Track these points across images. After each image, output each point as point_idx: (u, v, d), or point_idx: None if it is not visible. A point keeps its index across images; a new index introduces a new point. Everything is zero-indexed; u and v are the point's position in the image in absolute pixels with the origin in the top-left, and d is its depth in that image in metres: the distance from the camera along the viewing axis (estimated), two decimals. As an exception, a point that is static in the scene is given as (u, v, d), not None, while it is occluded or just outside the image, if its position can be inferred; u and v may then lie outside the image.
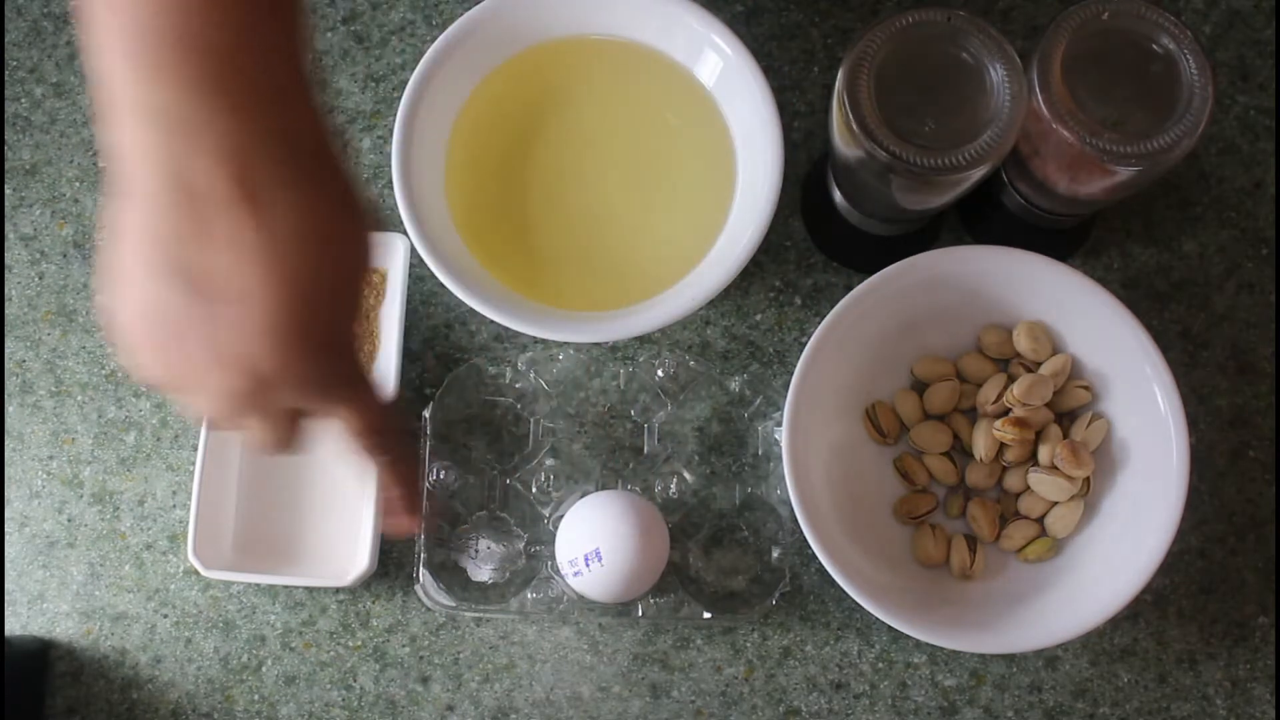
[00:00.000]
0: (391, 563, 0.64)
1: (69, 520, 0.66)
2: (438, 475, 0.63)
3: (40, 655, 0.64)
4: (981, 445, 0.61)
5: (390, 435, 0.47)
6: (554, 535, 0.61)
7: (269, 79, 0.40)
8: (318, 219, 0.40)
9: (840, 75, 0.53)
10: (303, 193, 0.40)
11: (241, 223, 0.39)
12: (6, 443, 0.66)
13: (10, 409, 0.67)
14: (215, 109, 0.38)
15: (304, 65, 0.41)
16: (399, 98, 0.62)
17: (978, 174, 0.53)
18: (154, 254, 0.39)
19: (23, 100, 0.70)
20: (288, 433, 0.44)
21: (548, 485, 0.63)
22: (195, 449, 0.64)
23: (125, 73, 0.38)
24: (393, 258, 0.65)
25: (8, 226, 0.69)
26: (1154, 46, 0.54)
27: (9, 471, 0.66)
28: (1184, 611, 0.64)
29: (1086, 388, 0.61)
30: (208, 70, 0.38)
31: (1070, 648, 0.64)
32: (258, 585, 0.64)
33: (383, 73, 0.70)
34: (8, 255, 0.68)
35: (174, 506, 0.66)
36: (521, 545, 0.63)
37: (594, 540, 0.59)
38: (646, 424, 0.65)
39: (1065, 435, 0.61)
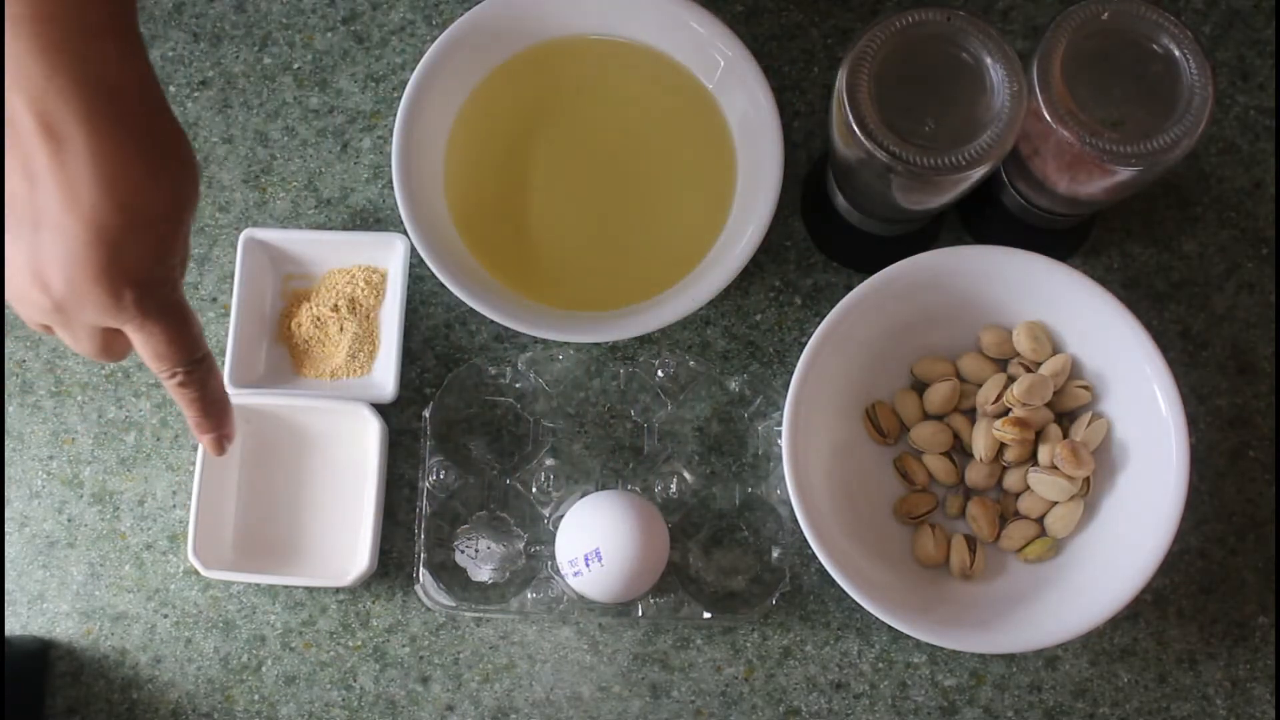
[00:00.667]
0: (391, 563, 0.64)
1: (69, 520, 0.66)
2: (438, 475, 0.63)
3: (40, 655, 0.64)
4: (981, 445, 0.61)
5: (180, 363, 0.50)
6: (554, 535, 0.61)
7: (79, 20, 0.42)
8: (118, 161, 0.43)
9: (840, 75, 0.53)
10: (102, 135, 0.42)
11: (48, 162, 0.42)
12: (6, 443, 0.66)
13: (10, 409, 0.67)
14: (25, 50, 0.41)
15: (121, 8, 0.43)
16: (399, 98, 0.62)
17: (978, 174, 0.53)
18: (4, 188, 0.44)
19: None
20: (94, 347, 0.48)
21: (548, 485, 0.63)
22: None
23: None
24: (393, 258, 0.65)
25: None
26: (1154, 46, 0.54)
27: (9, 471, 0.66)
28: (1184, 611, 0.64)
29: (1086, 388, 0.61)
30: (19, 11, 0.40)
31: (1070, 648, 0.64)
32: (258, 585, 0.64)
33: (383, 73, 0.70)
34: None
35: (174, 506, 0.66)
36: (521, 545, 0.63)
37: (594, 540, 0.59)
38: (646, 424, 0.65)
39: (1065, 435, 0.61)
